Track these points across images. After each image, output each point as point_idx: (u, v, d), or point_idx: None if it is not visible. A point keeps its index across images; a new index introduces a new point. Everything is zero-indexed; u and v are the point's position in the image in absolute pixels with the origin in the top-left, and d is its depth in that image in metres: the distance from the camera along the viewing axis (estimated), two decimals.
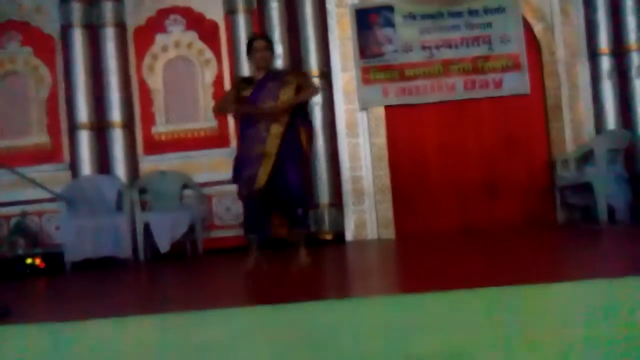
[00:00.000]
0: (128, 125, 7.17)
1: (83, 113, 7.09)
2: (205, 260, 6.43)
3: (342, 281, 4.09)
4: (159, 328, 2.61)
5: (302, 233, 4.96)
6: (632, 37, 7.00)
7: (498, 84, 7.07)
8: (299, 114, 4.83)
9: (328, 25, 7.11)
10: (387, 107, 7.10)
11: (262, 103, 4.71)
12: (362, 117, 7.06)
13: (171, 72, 7.31)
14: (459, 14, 7.07)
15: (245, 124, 4.85)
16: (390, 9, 7.07)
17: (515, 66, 7.05)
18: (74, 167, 7.12)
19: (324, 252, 6.07)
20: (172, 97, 7.29)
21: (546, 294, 2.62)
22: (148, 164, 7.19)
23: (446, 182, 7.17)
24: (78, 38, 7.16)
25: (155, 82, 7.28)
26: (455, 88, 7.07)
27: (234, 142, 7.12)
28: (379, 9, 7.09)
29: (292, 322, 2.46)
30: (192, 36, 7.28)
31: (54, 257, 6.30)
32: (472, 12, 7.07)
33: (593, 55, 7.11)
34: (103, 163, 7.10)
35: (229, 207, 7.14)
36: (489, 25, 7.06)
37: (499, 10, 7.05)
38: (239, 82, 5.04)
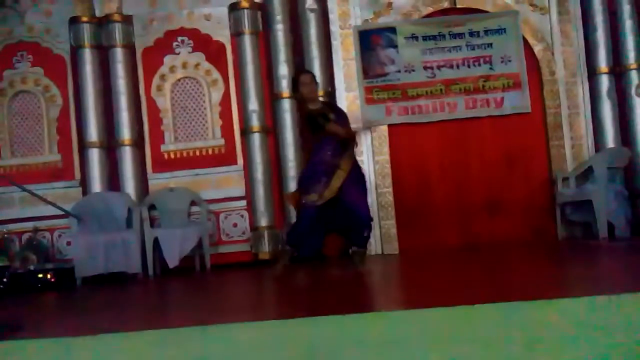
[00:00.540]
0: (137, 143, 7.26)
1: (93, 132, 7.19)
2: (213, 275, 6.51)
3: (344, 297, 4.13)
4: (167, 343, 2.62)
5: (365, 252, 5.55)
6: (631, 56, 7.08)
7: (499, 103, 7.17)
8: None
9: (332, 46, 7.21)
10: (390, 126, 7.19)
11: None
12: (365, 136, 7.15)
13: (179, 92, 7.43)
14: (460, 35, 7.17)
15: (319, 144, 5.41)
16: (392, 30, 7.18)
17: (516, 85, 7.15)
18: (84, 184, 7.21)
19: (327, 268, 6.18)
20: (181, 117, 7.41)
21: (549, 310, 2.63)
22: (157, 181, 7.26)
23: (449, 199, 7.25)
24: (88, 58, 7.25)
25: (164, 101, 7.38)
26: (457, 107, 7.16)
27: (240, 160, 7.25)
28: (381, 31, 7.20)
29: (296, 337, 2.49)
30: (199, 57, 7.38)
31: (65, 272, 6.36)
32: (473, 33, 7.17)
33: (592, 74, 7.18)
34: (113, 180, 7.19)
35: (235, 222, 7.25)
36: (490, 45, 7.17)
37: (500, 31, 7.16)
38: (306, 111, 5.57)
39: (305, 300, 3.93)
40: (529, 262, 5.29)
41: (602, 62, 7.16)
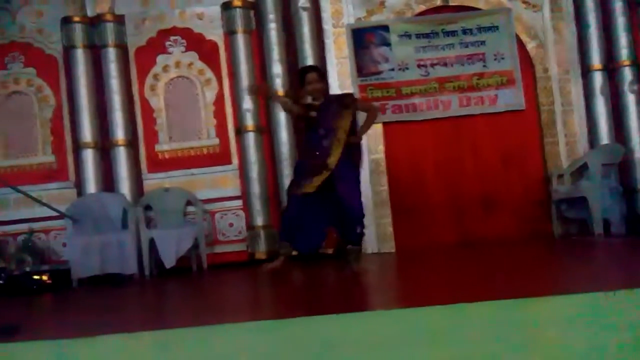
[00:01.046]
0: (132, 143, 7.24)
1: (87, 132, 7.17)
2: (210, 274, 6.52)
3: (342, 296, 4.14)
4: (164, 344, 2.62)
5: (360, 250, 5.49)
6: (624, 53, 7.11)
7: (493, 100, 7.19)
8: (350, 135, 5.32)
9: (325, 45, 7.21)
10: (385, 124, 7.19)
11: (326, 124, 5.25)
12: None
13: (173, 91, 7.41)
14: (453, 33, 7.19)
15: (309, 138, 5.39)
16: (385, 28, 7.20)
17: (510, 83, 7.18)
18: (79, 185, 7.19)
19: (325, 266, 6.19)
20: (174, 116, 7.38)
21: (545, 307, 2.64)
22: (152, 181, 7.26)
23: (444, 197, 7.26)
24: (80, 59, 7.23)
25: (158, 101, 7.36)
26: (451, 105, 7.19)
27: (235, 160, 7.25)
28: (374, 29, 7.21)
29: (293, 337, 2.49)
30: (192, 56, 7.37)
31: (60, 274, 6.35)
32: (466, 31, 7.19)
33: (586, 71, 7.21)
34: (108, 181, 7.17)
35: (231, 222, 7.25)
36: (483, 43, 7.19)
37: (493, 28, 7.18)
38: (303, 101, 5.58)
39: (302, 300, 3.93)
40: (525, 259, 5.30)
41: (596, 59, 7.19)
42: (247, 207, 7.16)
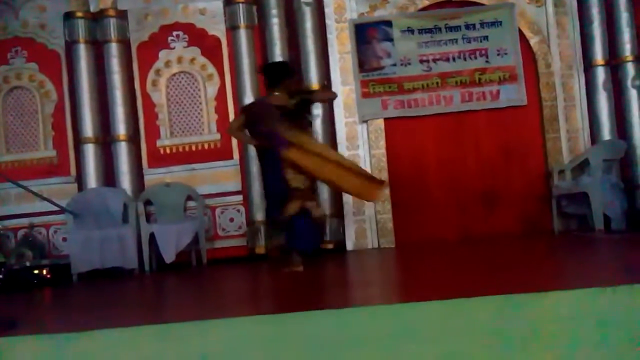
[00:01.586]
0: (133, 138, 7.25)
1: (88, 127, 7.17)
2: (210, 269, 6.52)
3: (342, 290, 4.16)
4: (165, 338, 2.64)
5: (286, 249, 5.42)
6: (627, 48, 7.08)
7: (495, 96, 7.17)
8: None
9: (328, 40, 7.19)
10: (386, 120, 7.18)
11: None
12: (362, 130, 7.14)
13: (175, 86, 7.41)
14: (456, 28, 7.17)
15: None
16: (388, 23, 7.18)
17: (512, 78, 7.15)
18: (80, 180, 7.20)
19: (325, 262, 6.18)
20: (176, 111, 7.39)
21: (546, 302, 2.66)
22: (153, 176, 7.25)
23: (445, 192, 7.24)
24: (82, 54, 7.23)
25: (159, 96, 7.36)
26: (453, 100, 7.16)
27: (236, 155, 7.24)
28: (377, 24, 7.19)
29: (292, 331, 2.50)
30: (194, 52, 7.37)
31: (61, 268, 6.37)
32: (469, 26, 7.16)
33: (588, 66, 7.18)
34: (109, 176, 7.17)
35: (232, 217, 7.25)
36: (486, 38, 7.16)
37: (496, 23, 7.15)
38: None
39: (301, 295, 3.92)
40: (526, 254, 5.30)
41: (598, 54, 7.16)
42: (248, 203, 7.15)
